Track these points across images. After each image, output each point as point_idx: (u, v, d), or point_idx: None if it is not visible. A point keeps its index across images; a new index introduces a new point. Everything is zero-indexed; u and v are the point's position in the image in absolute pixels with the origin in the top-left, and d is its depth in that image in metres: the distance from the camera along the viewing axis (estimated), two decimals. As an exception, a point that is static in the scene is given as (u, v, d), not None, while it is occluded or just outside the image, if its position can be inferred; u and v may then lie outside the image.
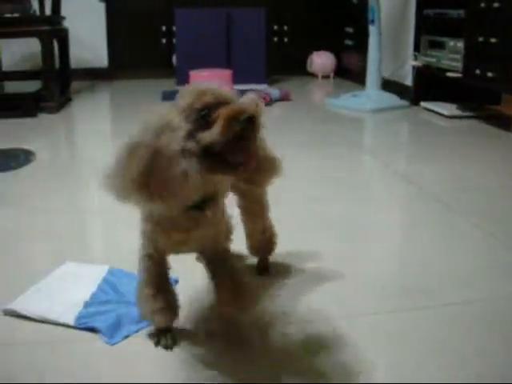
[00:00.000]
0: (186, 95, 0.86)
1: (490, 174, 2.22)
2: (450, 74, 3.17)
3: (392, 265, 1.50)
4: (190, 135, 0.83)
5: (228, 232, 1.11)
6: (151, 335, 1.10)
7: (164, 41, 4.76)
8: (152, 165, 0.83)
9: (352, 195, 2.01)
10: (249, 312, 1.12)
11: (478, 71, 2.88)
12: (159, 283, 1.06)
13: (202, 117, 0.83)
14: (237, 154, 0.82)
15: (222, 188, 0.99)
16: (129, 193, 0.85)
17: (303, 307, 1.24)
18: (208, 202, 0.94)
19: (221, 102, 0.83)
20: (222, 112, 0.81)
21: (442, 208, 1.86)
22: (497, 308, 1.21)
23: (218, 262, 1.07)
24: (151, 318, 1.07)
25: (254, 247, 1.34)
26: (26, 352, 1.08)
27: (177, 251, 1.05)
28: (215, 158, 0.83)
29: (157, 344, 1.08)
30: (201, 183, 0.84)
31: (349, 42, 4.81)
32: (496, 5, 2.71)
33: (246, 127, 0.80)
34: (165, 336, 1.08)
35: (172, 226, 0.96)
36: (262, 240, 1.33)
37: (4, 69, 4.22)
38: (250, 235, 1.31)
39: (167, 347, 1.07)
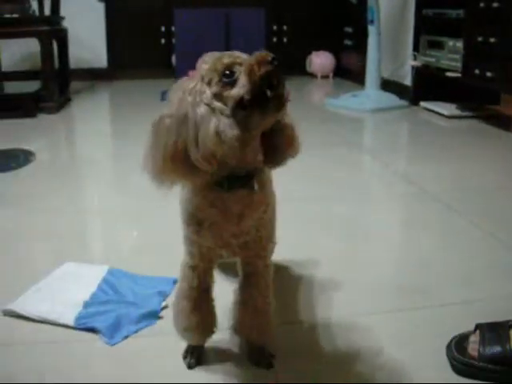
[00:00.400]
0: (203, 63, 0.84)
1: (490, 174, 2.22)
2: (449, 74, 3.17)
3: (392, 265, 1.50)
4: (216, 96, 0.81)
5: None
6: (184, 351, 1.05)
7: (163, 41, 4.76)
8: (180, 132, 0.80)
9: (352, 195, 2.01)
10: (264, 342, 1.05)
11: (477, 71, 2.88)
12: (198, 298, 0.99)
13: (226, 76, 0.81)
14: (267, 95, 0.79)
15: (261, 169, 0.91)
16: (164, 170, 0.82)
17: (302, 307, 1.24)
18: (252, 177, 0.88)
19: (240, 63, 0.81)
20: (244, 65, 0.80)
21: (441, 208, 1.86)
22: (496, 308, 1.21)
23: (253, 279, 1.00)
24: (182, 334, 1.03)
25: None
26: (26, 352, 1.08)
27: (223, 249, 0.94)
28: (246, 110, 0.80)
29: (184, 360, 1.04)
30: (236, 142, 0.80)
31: (348, 42, 4.81)
32: (495, 5, 2.71)
33: (270, 70, 0.79)
34: (191, 354, 1.04)
35: (219, 213, 0.89)
36: None
37: (3, 69, 4.21)
38: None
39: (189, 366, 1.02)
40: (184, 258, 0.99)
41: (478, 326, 1.04)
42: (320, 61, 4.90)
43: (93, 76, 4.70)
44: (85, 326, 1.14)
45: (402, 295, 1.29)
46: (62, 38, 3.81)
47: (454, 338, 1.05)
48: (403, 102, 3.60)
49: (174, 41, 4.52)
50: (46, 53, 3.37)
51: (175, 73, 4.40)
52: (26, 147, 2.57)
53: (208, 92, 0.81)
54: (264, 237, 0.95)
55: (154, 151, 0.83)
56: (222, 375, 1.01)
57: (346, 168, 2.36)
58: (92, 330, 1.13)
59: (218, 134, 0.79)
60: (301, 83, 4.70)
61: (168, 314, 1.15)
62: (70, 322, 1.15)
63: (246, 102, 0.79)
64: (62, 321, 1.15)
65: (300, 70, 4.96)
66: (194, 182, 0.87)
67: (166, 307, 1.21)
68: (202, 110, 0.80)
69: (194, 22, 4.26)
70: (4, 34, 3.36)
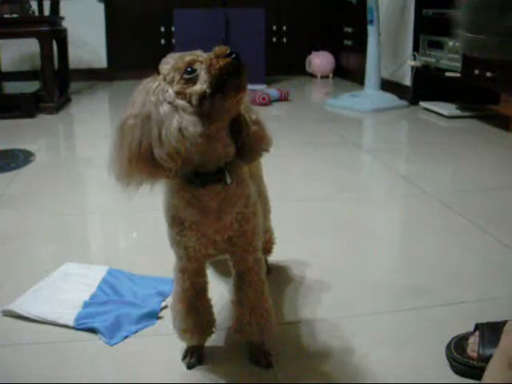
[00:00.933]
0: (165, 63, 0.86)
1: (490, 174, 2.22)
2: (449, 74, 3.17)
3: (391, 265, 1.50)
4: (179, 94, 0.83)
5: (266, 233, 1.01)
6: (183, 351, 1.05)
7: (163, 41, 4.76)
8: (144, 131, 0.81)
9: (352, 195, 2.01)
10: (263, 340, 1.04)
11: (476, 71, 2.88)
12: (192, 300, 0.99)
13: (187, 73, 0.82)
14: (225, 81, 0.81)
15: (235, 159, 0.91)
16: (130, 170, 0.82)
17: (301, 307, 1.24)
18: (228, 170, 0.89)
19: (201, 60, 0.84)
20: (204, 61, 0.82)
21: (441, 208, 1.86)
22: (496, 308, 1.21)
23: (246, 277, 0.99)
24: (181, 336, 1.03)
25: None
26: (26, 352, 1.08)
27: (208, 247, 0.93)
28: (208, 99, 0.82)
29: (183, 360, 1.04)
30: (198, 138, 0.81)
31: (348, 42, 4.81)
32: (495, 5, 2.71)
33: (228, 62, 0.81)
34: (191, 354, 1.04)
35: (197, 212, 0.89)
36: (263, 241, 1.32)
37: (3, 69, 4.21)
38: None
39: (189, 366, 1.03)
40: (174, 263, 0.99)
41: (477, 327, 1.04)
42: (320, 61, 4.89)
43: (93, 76, 4.70)
44: (85, 327, 1.14)
45: (401, 295, 1.29)
46: (61, 38, 3.81)
47: (453, 339, 1.05)
48: (403, 102, 3.60)
49: (173, 41, 4.52)
50: (45, 53, 3.37)
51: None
52: (25, 147, 2.57)
53: (170, 91, 0.83)
54: (249, 230, 0.94)
55: (119, 152, 0.84)
56: (222, 375, 1.01)
57: (346, 168, 2.36)
58: (92, 330, 1.13)
59: (180, 131, 0.80)
60: (301, 83, 4.70)
61: (167, 314, 1.15)
62: (70, 322, 1.15)
63: (208, 95, 0.81)
64: (61, 321, 1.15)
65: (300, 70, 4.96)
66: (159, 181, 0.87)
67: (165, 307, 1.21)
68: (164, 108, 0.82)
69: (193, 22, 4.26)
70: (4, 34, 3.36)
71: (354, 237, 1.64)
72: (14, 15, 3.38)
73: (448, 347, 1.04)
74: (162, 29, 4.73)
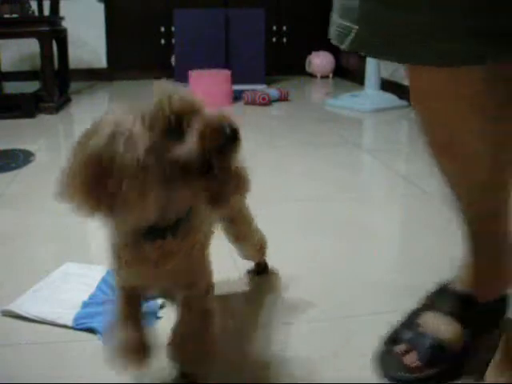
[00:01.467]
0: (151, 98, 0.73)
1: (490, 174, 2.22)
2: (449, 74, 3.16)
3: (391, 265, 1.50)
4: (155, 148, 0.69)
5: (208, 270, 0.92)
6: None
7: (163, 41, 4.76)
8: (99, 174, 0.69)
9: (352, 195, 2.01)
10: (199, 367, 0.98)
11: (477, 71, 2.87)
12: (129, 316, 0.93)
13: (171, 131, 0.70)
14: (214, 168, 0.70)
15: (197, 209, 0.82)
16: (78, 201, 0.72)
17: (302, 307, 1.24)
18: (176, 227, 0.80)
19: (191, 111, 0.70)
20: (199, 122, 0.70)
21: (441, 208, 1.85)
22: (497, 308, 1.21)
23: (182, 309, 0.92)
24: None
25: (247, 256, 1.30)
26: (26, 352, 1.08)
27: (146, 287, 0.91)
28: (187, 177, 0.71)
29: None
30: (155, 212, 0.73)
31: (348, 42, 4.81)
32: (495, 5, 2.71)
33: (227, 142, 0.69)
34: None
35: (135, 256, 0.83)
36: (255, 249, 1.28)
37: (3, 69, 4.21)
38: (242, 250, 1.26)
39: None
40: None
41: (394, 337, 1.03)
42: (320, 61, 4.89)
43: (93, 76, 4.70)
44: (83, 327, 1.14)
45: (401, 295, 1.29)
46: (61, 38, 3.81)
47: (381, 355, 1.02)
48: (403, 102, 3.60)
49: (173, 41, 4.52)
50: (45, 53, 3.37)
51: (174, 73, 4.40)
52: (25, 147, 2.57)
53: (146, 142, 0.69)
54: (183, 284, 0.89)
55: (69, 178, 0.73)
56: (221, 375, 1.01)
57: (346, 168, 2.36)
58: (91, 330, 1.13)
59: (137, 203, 0.70)
60: (301, 83, 4.70)
61: (167, 314, 1.15)
62: (69, 322, 1.15)
63: (189, 167, 0.70)
64: (60, 321, 1.15)
65: (300, 70, 4.96)
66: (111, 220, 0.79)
67: (164, 307, 1.21)
68: (131, 167, 0.69)
69: (193, 22, 4.26)
70: (4, 34, 3.36)
71: (354, 237, 1.64)
72: (14, 15, 3.38)
73: (384, 370, 0.99)
74: (162, 29, 4.73)
